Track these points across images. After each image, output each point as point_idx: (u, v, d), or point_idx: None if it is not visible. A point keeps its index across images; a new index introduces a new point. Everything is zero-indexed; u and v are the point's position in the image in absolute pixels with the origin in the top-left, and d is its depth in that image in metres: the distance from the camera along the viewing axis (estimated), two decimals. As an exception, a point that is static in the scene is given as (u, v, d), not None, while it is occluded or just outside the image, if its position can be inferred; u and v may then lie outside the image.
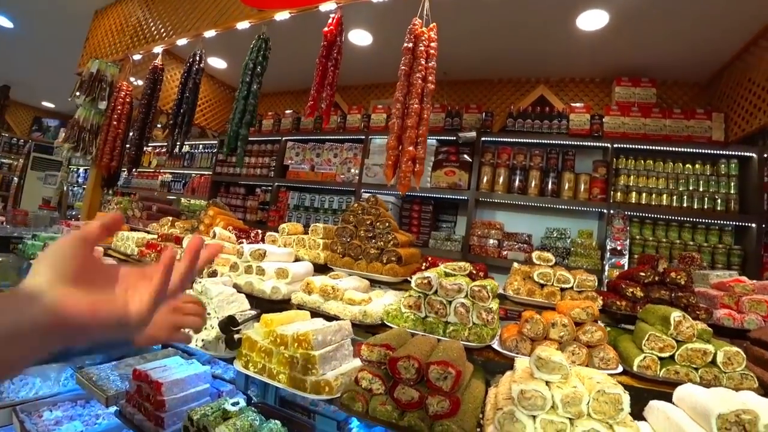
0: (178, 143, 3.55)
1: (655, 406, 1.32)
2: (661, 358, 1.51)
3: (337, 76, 2.68)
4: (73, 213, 6.27)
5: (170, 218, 3.40)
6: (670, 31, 3.53)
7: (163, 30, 4.47)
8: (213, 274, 2.30)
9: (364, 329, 1.71)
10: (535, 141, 4.19)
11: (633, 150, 4.04)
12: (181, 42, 4.24)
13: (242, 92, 2.97)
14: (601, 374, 1.25)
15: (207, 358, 2.56)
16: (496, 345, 1.58)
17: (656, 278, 1.88)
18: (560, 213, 4.22)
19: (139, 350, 2.86)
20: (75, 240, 0.53)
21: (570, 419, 1.11)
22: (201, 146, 6.35)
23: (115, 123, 4.36)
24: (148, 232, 3.31)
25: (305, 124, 5.29)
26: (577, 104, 4.24)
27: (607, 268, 3.68)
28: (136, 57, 4.81)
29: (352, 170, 4.71)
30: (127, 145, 4.33)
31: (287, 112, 5.60)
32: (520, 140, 4.23)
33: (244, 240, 2.83)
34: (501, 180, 4.19)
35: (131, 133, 4.42)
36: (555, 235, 4.04)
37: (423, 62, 2.16)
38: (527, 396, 1.12)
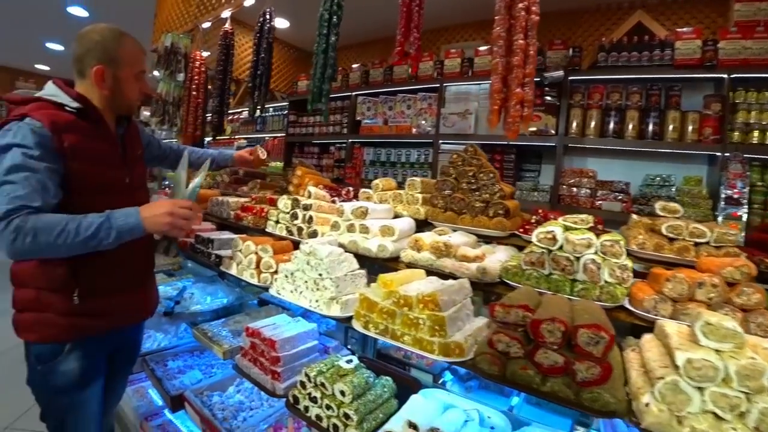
0: (259, 107, 3.57)
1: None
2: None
3: (422, 17, 2.47)
4: (166, 183, 6.77)
5: (258, 180, 3.50)
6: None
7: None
8: (313, 234, 2.28)
9: (481, 288, 1.65)
10: (632, 76, 3.71)
11: (756, 80, 3.45)
12: (248, 2, 4.21)
13: (321, 46, 2.85)
14: (775, 342, 1.10)
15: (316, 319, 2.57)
16: (628, 305, 1.46)
17: (816, 229, 1.62)
18: (662, 157, 3.79)
19: (242, 308, 3.04)
20: None
21: (747, 394, 0.99)
22: (271, 109, 6.42)
23: (194, 93, 4.51)
24: (240, 196, 3.43)
25: (374, 76, 5.09)
26: (685, 29, 3.66)
27: (720, 219, 3.29)
28: (205, 25, 4.87)
29: (428, 121, 4.53)
30: (209, 114, 4.45)
31: (354, 66, 5.44)
32: (614, 76, 3.76)
33: (336, 198, 2.79)
34: (593, 123, 3.81)
35: (210, 102, 4.55)
36: (657, 182, 3.66)
37: (525, -11, 1.90)
38: (696, 366, 1.01)
